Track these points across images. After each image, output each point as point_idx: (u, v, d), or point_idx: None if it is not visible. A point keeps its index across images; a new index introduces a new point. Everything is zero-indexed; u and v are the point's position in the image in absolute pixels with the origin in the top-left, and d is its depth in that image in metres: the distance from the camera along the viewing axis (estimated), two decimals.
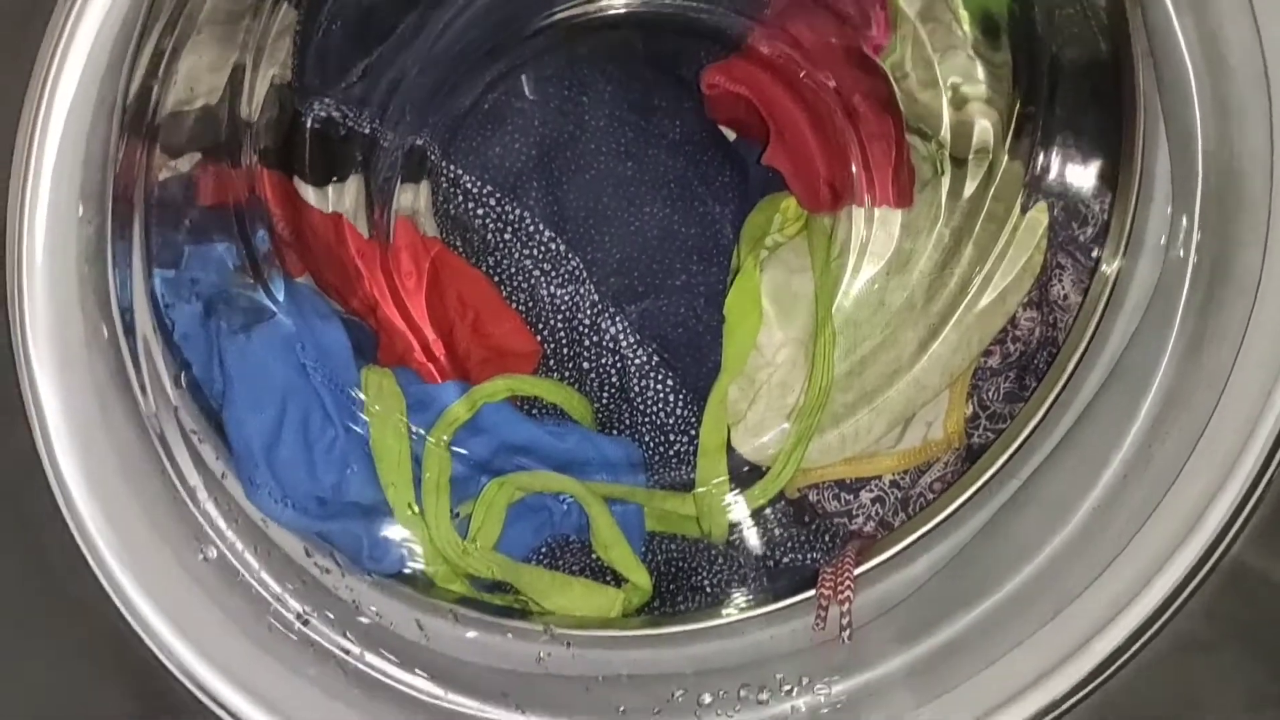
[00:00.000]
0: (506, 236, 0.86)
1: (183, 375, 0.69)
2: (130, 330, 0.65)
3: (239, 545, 0.64)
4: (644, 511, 0.91)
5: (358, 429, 0.79)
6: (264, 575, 0.64)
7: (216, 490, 0.65)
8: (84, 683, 0.57)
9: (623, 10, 0.81)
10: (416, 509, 0.79)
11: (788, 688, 0.72)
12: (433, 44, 0.77)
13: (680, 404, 0.86)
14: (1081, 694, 0.64)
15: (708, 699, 0.72)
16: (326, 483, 0.76)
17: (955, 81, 0.82)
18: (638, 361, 0.85)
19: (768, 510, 0.90)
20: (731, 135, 0.95)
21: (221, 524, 0.64)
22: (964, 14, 0.85)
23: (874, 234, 0.85)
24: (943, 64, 0.84)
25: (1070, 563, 0.70)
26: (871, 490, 0.92)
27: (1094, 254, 0.89)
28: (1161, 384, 0.75)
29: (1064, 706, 0.65)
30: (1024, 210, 0.88)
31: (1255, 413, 0.65)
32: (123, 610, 0.59)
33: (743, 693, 0.72)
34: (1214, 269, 0.72)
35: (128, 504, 0.58)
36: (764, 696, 0.72)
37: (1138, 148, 0.81)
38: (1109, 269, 0.82)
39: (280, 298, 0.78)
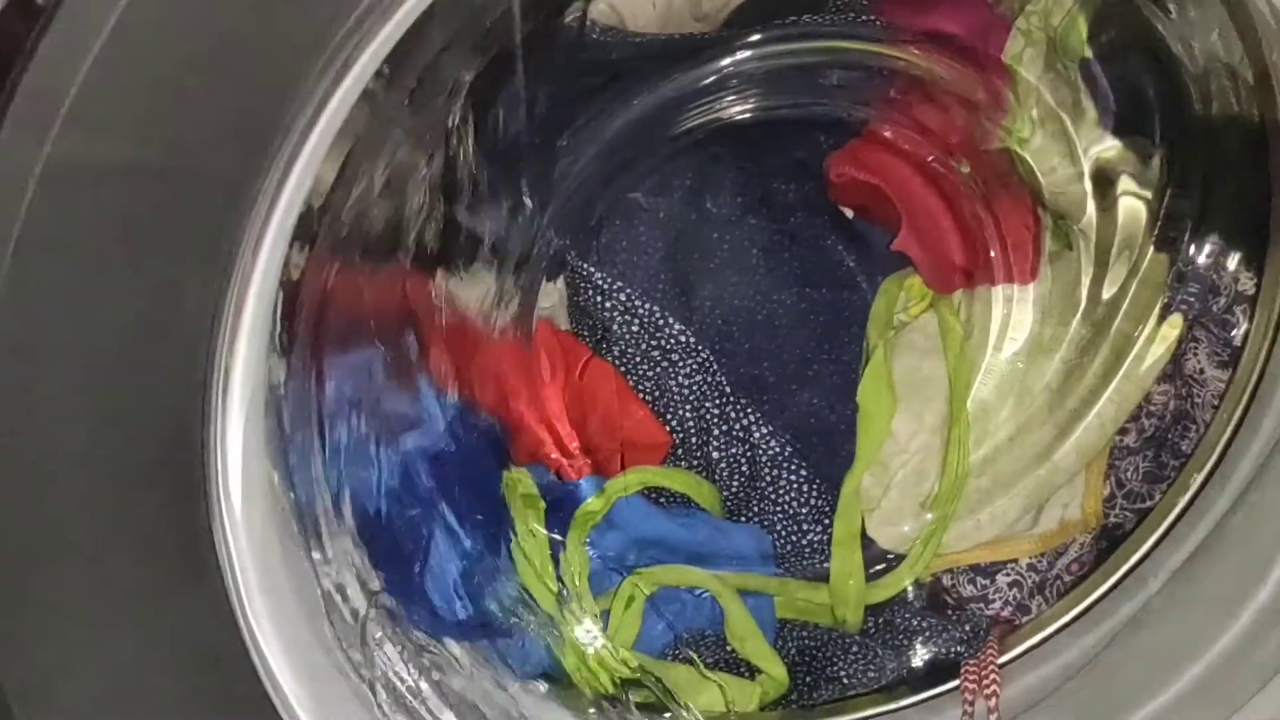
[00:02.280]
0: (635, 329, 0.88)
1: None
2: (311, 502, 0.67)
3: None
4: (775, 601, 0.92)
5: (498, 534, 0.81)
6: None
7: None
8: None
9: (748, 116, 0.82)
10: (562, 611, 0.80)
11: None
12: (576, 158, 0.79)
13: (814, 494, 0.87)
14: None
15: None
16: (473, 592, 0.78)
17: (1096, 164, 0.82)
18: (770, 452, 0.86)
19: (904, 599, 0.91)
20: (849, 212, 0.96)
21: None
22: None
23: (1012, 316, 0.85)
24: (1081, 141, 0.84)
25: (1236, 665, 0.69)
26: (1008, 574, 0.92)
27: (1229, 326, 0.88)
28: None
29: None
30: (1161, 318, 0.87)
31: None
32: None
33: None
34: None
35: (317, 661, 0.60)
36: None
37: None
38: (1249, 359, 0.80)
39: (428, 405, 0.80)
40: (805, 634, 0.92)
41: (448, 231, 0.81)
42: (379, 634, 0.67)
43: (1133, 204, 0.82)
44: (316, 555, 0.63)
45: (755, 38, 0.79)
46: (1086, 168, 0.81)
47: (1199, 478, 0.83)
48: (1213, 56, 0.78)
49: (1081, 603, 0.85)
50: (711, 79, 0.80)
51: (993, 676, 0.82)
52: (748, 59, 0.79)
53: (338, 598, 0.64)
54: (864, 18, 0.84)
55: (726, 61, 0.79)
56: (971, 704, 0.81)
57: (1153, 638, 0.77)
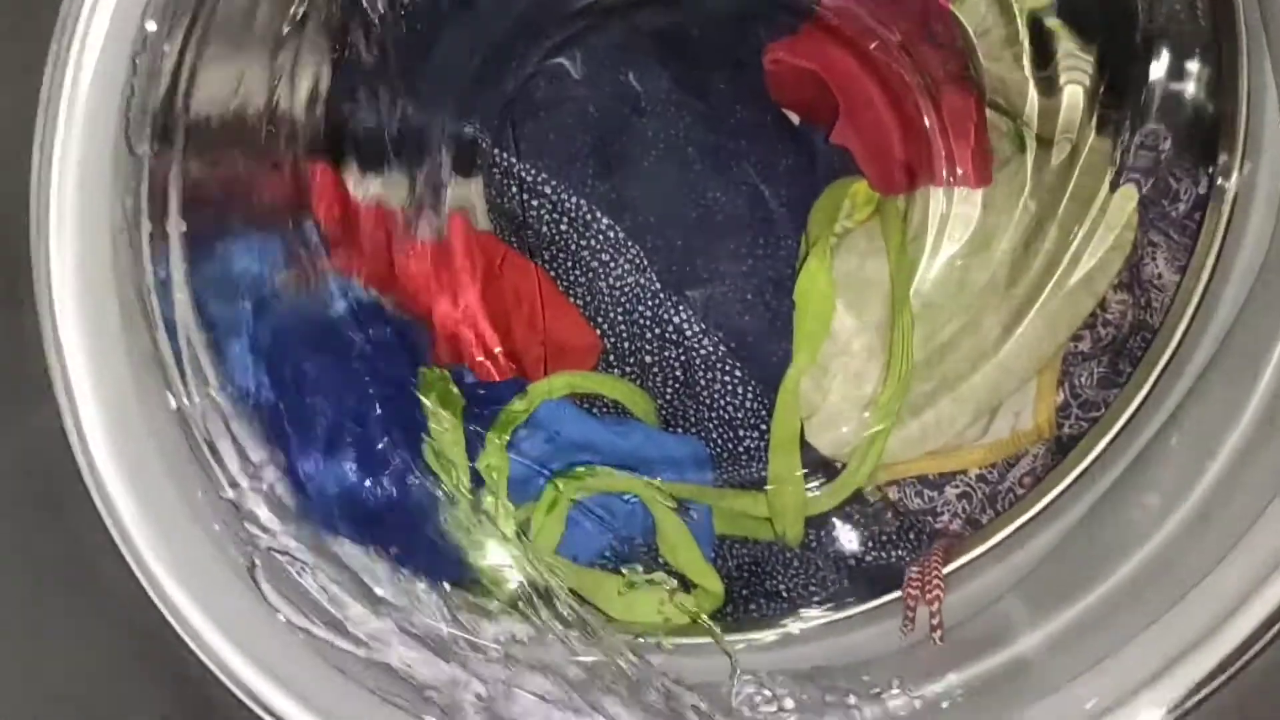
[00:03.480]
0: (563, 227, 0.85)
1: (226, 374, 0.67)
2: (171, 329, 0.64)
3: (283, 541, 0.62)
4: (713, 514, 0.88)
5: (415, 432, 0.78)
6: (315, 576, 0.62)
7: (262, 491, 0.64)
8: (115, 672, 0.56)
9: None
10: (476, 513, 0.77)
11: (876, 690, 0.68)
12: (477, 25, 0.76)
13: (749, 396, 0.84)
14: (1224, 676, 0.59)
15: (790, 704, 0.68)
16: (383, 488, 0.75)
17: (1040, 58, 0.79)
18: (703, 352, 0.83)
19: (846, 510, 0.87)
20: (796, 119, 0.93)
21: (265, 519, 0.62)
22: None
23: (953, 212, 0.82)
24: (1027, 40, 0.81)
25: (1181, 554, 0.66)
26: (957, 486, 0.89)
27: (1189, 231, 0.85)
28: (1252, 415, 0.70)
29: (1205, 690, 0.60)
30: (1113, 188, 0.85)
31: None
32: (157, 602, 0.57)
33: (828, 698, 0.68)
34: None
35: (165, 494, 0.56)
36: (851, 700, 0.68)
37: (1240, 115, 0.77)
38: (1202, 260, 0.77)
39: (333, 296, 0.77)
40: (744, 550, 0.89)
41: (342, 125, 0.79)
42: (262, 514, 0.63)
43: (1074, 90, 0.79)
44: (188, 406, 0.60)
45: None
46: (1025, 42, 0.78)
47: (1153, 375, 0.80)
48: None
49: (1031, 509, 0.81)
50: None
51: (936, 582, 0.79)
52: None
53: (207, 454, 0.60)
54: None
55: None
56: (913, 609, 0.77)
57: (1099, 534, 0.74)
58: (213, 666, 0.55)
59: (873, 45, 0.84)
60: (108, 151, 0.57)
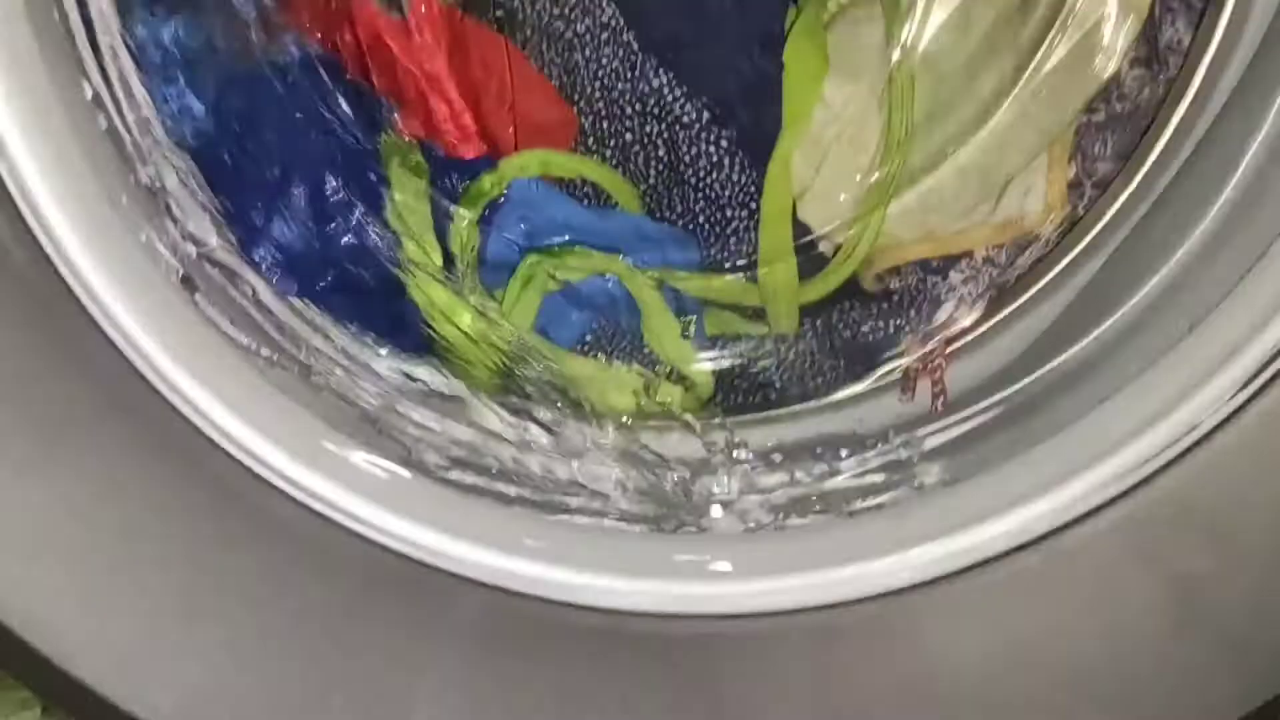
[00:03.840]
0: None
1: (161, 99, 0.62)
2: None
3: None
4: (704, 315, 0.83)
5: (376, 195, 0.73)
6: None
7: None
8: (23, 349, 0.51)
9: None
10: (440, 282, 0.72)
11: (872, 440, 0.63)
12: None
13: (737, 169, 0.78)
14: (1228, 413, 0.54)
15: (777, 458, 0.64)
16: (339, 250, 0.70)
17: None
18: (686, 120, 0.78)
19: (843, 300, 0.82)
20: None
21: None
22: None
23: None
24: None
25: (1206, 269, 0.60)
26: (961, 270, 0.83)
27: None
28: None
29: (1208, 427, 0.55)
30: None
31: None
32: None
33: (819, 449, 0.64)
34: None
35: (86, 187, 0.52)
36: (843, 453, 0.63)
37: None
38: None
39: (294, 53, 0.72)
40: (737, 347, 0.84)
41: None
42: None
43: None
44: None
45: None
46: None
47: (1164, 136, 0.74)
48: None
49: (1037, 283, 0.76)
50: None
51: (939, 354, 0.74)
52: None
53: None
54: None
55: None
56: (914, 379, 0.72)
57: (1108, 282, 0.68)
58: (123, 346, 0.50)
59: None
60: None
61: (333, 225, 0.68)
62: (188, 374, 0.52)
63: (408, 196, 0.73)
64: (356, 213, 0.70)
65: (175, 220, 0.56)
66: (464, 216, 0.75)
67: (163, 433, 0.52)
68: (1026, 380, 0.63)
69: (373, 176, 0.72)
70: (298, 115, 0.69)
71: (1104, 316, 0.62)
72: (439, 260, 0.72)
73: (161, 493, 0.52)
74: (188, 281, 0.54)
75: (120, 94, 0.58)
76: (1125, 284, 0.64)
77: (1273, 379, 0.56)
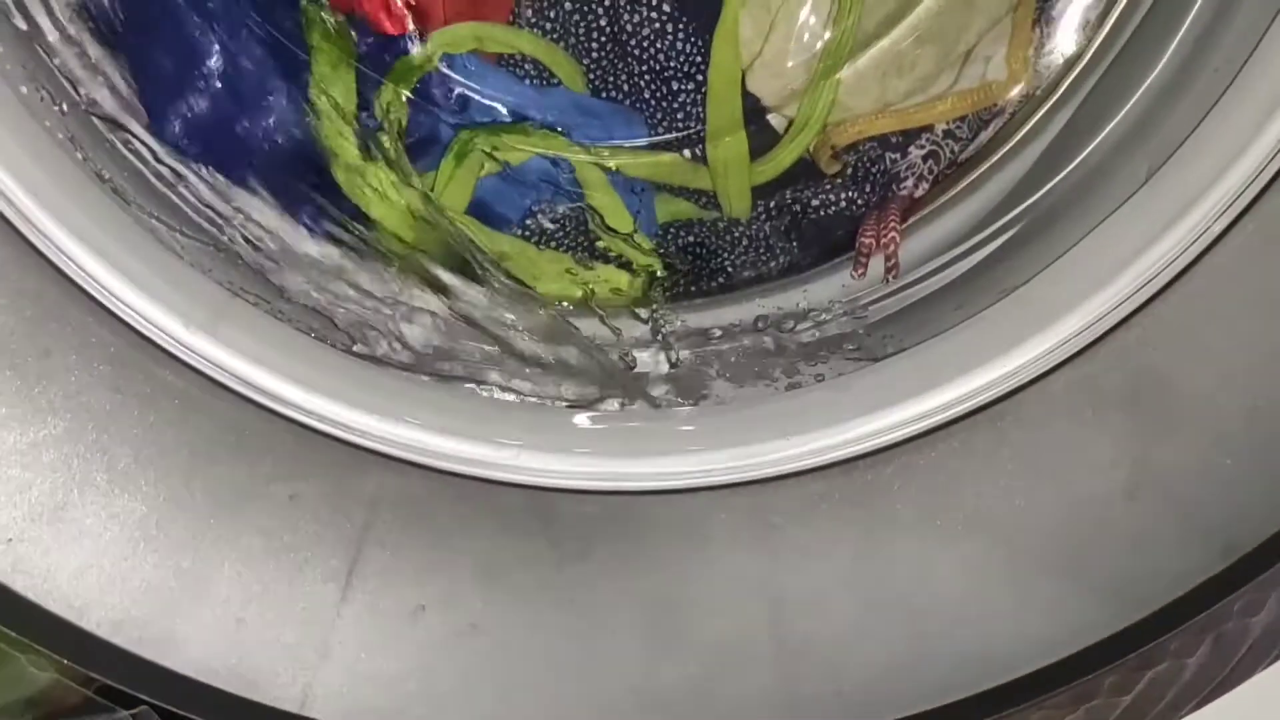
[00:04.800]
0: None
1: None
2: None
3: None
4: (654, 201, 0.80)
5: (298, 70, 0.69)
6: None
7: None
8: None
9: None
10: (368, 160, 0.68)
11: (815, 312, 0.61)
12: None
13: (681, 36, 0.74)
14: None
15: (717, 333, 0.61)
16: (255, 125, 0.66)
17: None
18: None
19: (797, 180, 0.79)
20: None
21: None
22: None
23: None
24: None
25: (1163, 116, 0.57)
26: (922, 145, 0.79)
27: None
28: None
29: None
30: None
31: None
32: None
33: (759, 324, 0.61)
34: None
35: None
36: (789, 325, 0.61)
37: None
38: None
39: None
40: (688, 233, 0.81)
41: None
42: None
43: None
44: None
45: None
46: None
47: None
48: None
49: (994, 154, 0.73)
50: None
51: (893, 227, 0.71)
52: None
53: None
54: None
55: None
56: (866, 255, 0.69)
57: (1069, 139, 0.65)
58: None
59: None
60: None
61: (250, 99, 0.65)
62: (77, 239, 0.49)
63: (329, 68, 0.69)
64: (275, 84, 0.66)
65: (66, 78, 0.52)
66: (392, 91, 0.71)
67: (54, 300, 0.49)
68: (974, 241, 0.60)
69: (292, 47, 0.69)
70: None
71: (1056, 174, 0.59)
72: (357, 133, 0.68)
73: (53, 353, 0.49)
74: (74, 141, 0.51)
75: None
76: (1080, 141, 0.61)
77: (1225, 231, 0.53)
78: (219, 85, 0.64)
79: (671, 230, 0.81)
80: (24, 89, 0.51)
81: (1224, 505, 0.50)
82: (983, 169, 0.72)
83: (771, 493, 0.52)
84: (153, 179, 0.56)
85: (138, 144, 0.55)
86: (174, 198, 0.56)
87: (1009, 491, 0.52)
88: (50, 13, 0.54)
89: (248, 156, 0.65)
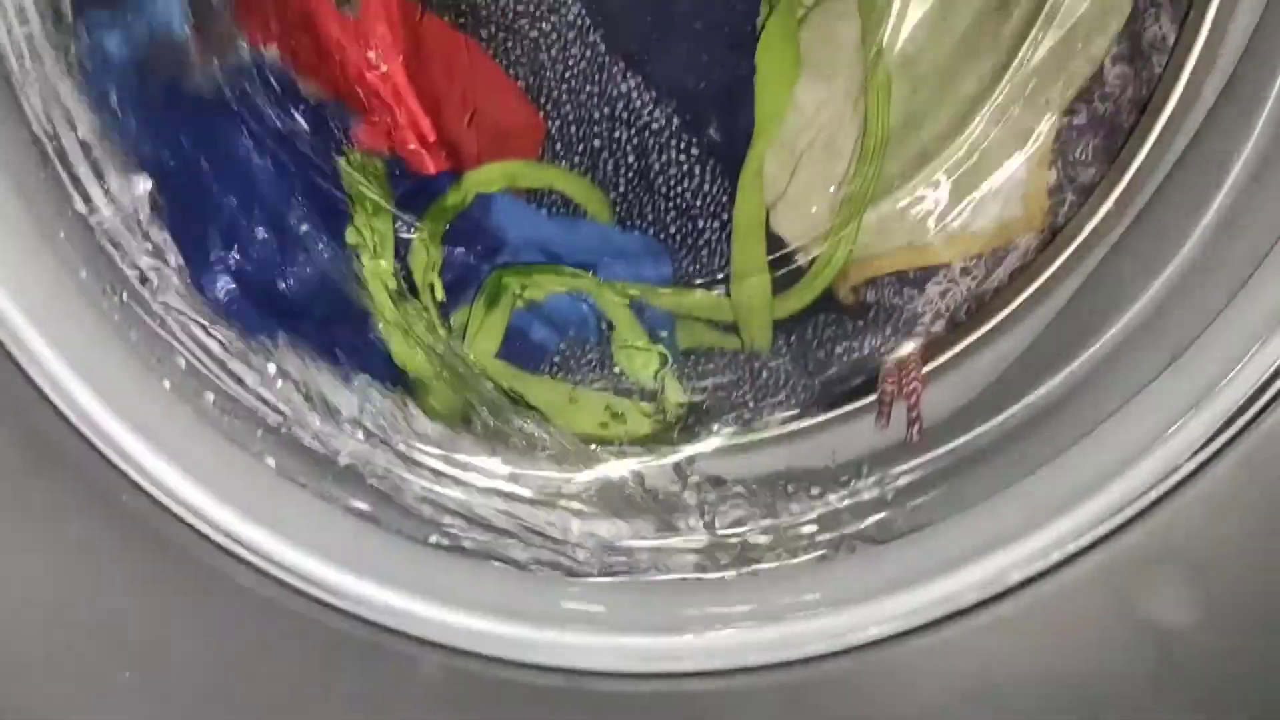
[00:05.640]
0: None
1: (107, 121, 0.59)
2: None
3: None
4: (676, 328, 0.82)
5: (338, 220, 0.70)
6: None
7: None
8: None
9: None
10: (401, 308, 0.70)
11: (845, 478, 0.62)
12: None
13: (708, 177, 0.76)
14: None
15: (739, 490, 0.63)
16: (296, 276, 0.68)
17: None
18: (656, 126, 0.76)
19: (818, 314, 0.81)
20: None
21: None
22: None
23: None
24: None
25: (1188, 298, 0.59)
26: (939, 282, 0.82)
27: None
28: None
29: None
30: None
31: None
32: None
33: (789, 488, 0.63)
34: None
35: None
36: (814, 490, 0.62)
37: None
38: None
39: (246, 65, 0.69)
40: (709, 363, 0.82)
41: None
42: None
43: None
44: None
45: None
46: None
47: (1147, 145, 0.73)
48: None
49: (1014, 300, 0.75)
50: None
51: (914, 376, 0.73)
52: None
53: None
54: None
55: None
56: (889, 404, 0.71)
57: (1090, 298, 0.67)
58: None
59: None
60: None
61: (290, 249, 0.66)
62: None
63: (368, 215, 0.71)
64: (314, 234, 0.68)
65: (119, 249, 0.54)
66: (426, 234, 0.73)
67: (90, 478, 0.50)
68: (1000, 418, 0.62)
69: (331, 194, 0.70)
70: (249, 132, 0.67)
71: (1081, 346, 0.61)
72: (394, 281, 0.70)
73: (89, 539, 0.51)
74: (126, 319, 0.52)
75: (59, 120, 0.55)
76: (1104, 309, 0.63)
77: (1252, 421, 0.55)
78: (261, 237, 0.66)
79: (693, 359, 0.83)
80: (83, 273, 0.52)
81: (1249, 697, 0.51)
82: (1002, 316, 0.74)
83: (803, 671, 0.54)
84: (211, 369, 0.57)
85: (195, 330, 0.57)
86: (225, 378, 0.57)
87: (1032, 678, 0.53)
88: (107, 192, 0.55)
89: (288, 309, 0.67)
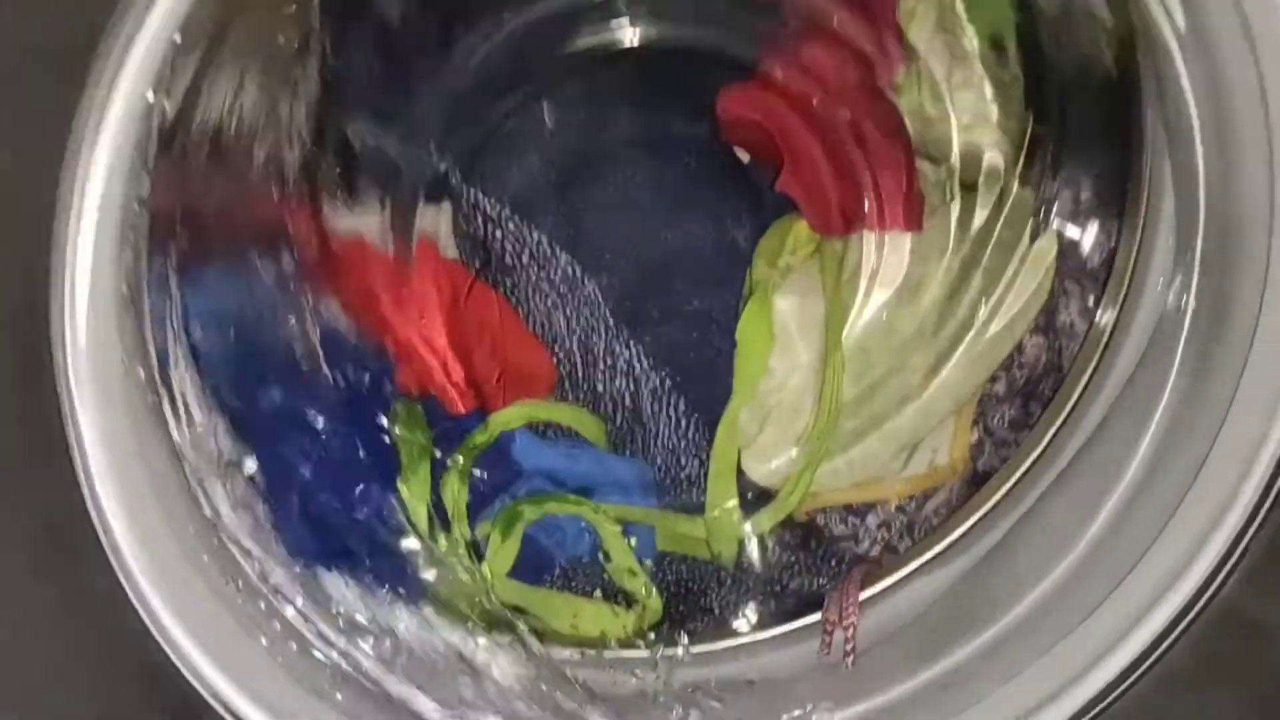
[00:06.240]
0: (524, 259, 0.91)
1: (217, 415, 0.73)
2: (165, 362, 0.70)
3: (272, 575, 0.69)
4: (655, 532, 0.96)
5: (391, 465, 0.84)
6: (299, 604, 0.69)
7: (250, 520, 0.71)
8: (122, 713, 0.63)
9: (637, 42, 0.86)
10: (438, 535, 0.84)
11: (793, 712, 0.77)
12: (458, 72, 0.82)
13: (692, 428, 0.92)
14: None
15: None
16: (356, 513, 0.81)
17: (965, 104, 0.87)
18: (651, 385, 0.91)
19: (777, 533, 0.96)
20: (746, 157, 1.00)
21: (254, 551, 0.69)
22: (971, 29, 0.90)
23: (884, 260, 0.91)
24: (954, 88, 0.89)
25: (1069, 594, 0.76)
26: (878, 515, 0.98)
27: (1101, 280, 0.94)
28: (1163, 418, 0.80)
29: None
30: (1033, 239, 0.94)
31: (1250, 455, 0.70)
32: (159, 640, 0.64)
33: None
34: (1213, 309, 0.78)
35: (164, 537, 0.63)
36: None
37: (1144, 182, 0.86)
38: (1107, 317, 0.87)
39: (309, 329, 0.83)
40: (684, 566, 0.97)
41: (327, 157, 0.84)
42: (248, 546, 0.70)
43: (996, 136, 0.88)
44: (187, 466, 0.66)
45: None
46: (952, 99, 0.86)
47: (1057, 421, 0.90)
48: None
49: (941, 542, 0.91)
50: None
51: (852, 608, 0.88)
52: None
53: (202, 499, 0.67)
54: None
55: None
56: (830, 633, 0.87)
57: (999, 569, 0.84)
58: (208, 697, 0.62)
59: (815, 101, 0.91)
60: (115, 216, 0.62)
61: (352, 498, 0.80)
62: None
63: (413, 459, 0.85)
64: (371, 481, 0.82)
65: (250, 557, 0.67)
66: (456, 473, 0.87)
67: None
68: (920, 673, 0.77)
69: (383, 439, 0.84)
70: (318, 395, 0.81)
71: (985, 620, 0.77)
72: (430, 519, 0.84)
73: None
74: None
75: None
76: (1007, 586, 0.79)
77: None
78: (327, 492, 0.79)
79: (668, 561, 0.98)
80: (206, 558, 0.65)
81: None
82: (931, 555, 0.90)
83: None
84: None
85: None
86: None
87: None
88: (230, 495, 0.69)
89: (346, 544, 0.80)
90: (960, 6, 0.87)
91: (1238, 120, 0.72)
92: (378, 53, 0.82)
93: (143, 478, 0.65)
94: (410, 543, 0.83)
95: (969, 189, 0.93)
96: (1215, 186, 0.76)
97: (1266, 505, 0.70)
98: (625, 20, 0.87)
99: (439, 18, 0.83)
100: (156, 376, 0.69)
